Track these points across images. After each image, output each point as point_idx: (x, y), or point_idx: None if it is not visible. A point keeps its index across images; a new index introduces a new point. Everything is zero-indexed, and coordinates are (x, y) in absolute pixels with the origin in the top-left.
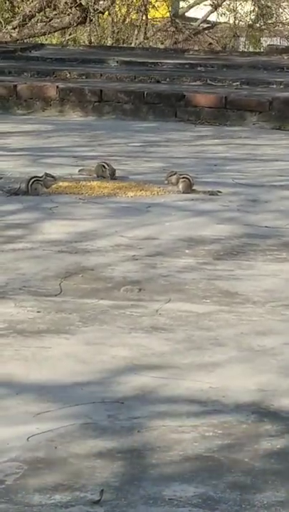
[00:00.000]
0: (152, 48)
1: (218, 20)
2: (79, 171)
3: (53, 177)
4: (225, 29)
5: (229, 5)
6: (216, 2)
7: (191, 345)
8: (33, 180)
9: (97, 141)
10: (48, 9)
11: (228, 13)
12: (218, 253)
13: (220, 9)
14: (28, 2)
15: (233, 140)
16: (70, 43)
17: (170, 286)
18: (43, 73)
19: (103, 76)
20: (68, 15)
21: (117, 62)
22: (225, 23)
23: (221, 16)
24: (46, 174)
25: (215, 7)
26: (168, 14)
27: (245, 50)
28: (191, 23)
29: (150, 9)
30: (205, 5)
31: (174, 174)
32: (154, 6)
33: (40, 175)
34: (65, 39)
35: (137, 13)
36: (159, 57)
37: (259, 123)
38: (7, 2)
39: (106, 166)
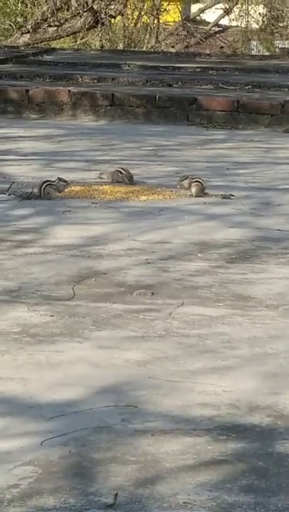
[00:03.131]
0: (164, 52)
1: (229, 24)
2: (98, 175)
3: (65, 181)
4: (236, 33)
5: (241, 8)
6: (228, 6)
7: (205, 348)
8: (45, 184)
9: (110, 145)
10: (59, 14)
11: (239, 17)
12: (230, 257)
13: (232, 13)
14: (39, 7)
15: (245, 143)
16: (81, 47)
17: (183, 289)
18: (55, 77)
19: (115, 80)
20: (80, 19)
21: (129, 66)
22: (236, 26)
23: (233, 20)
24: (59, 179)
25: (227, 11)
26: (179, 18)
27: (257, 53)
28: (203, 27)
29: (162, 13)
30: (217, 9)
31: (186, 178)
32: (165, 10)
33: (53, 179)
34: (77, 43)
35: (149, 17)
36: (171, 61)
37: (271, 126)
38: (20, 6)
39: (123, 172)
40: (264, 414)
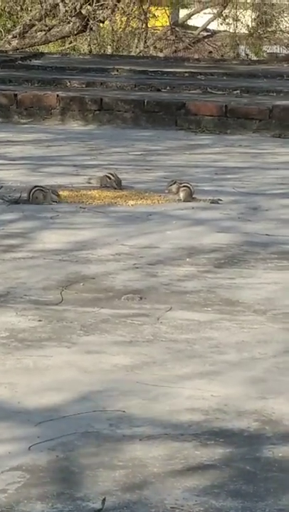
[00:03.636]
0: (152, 57)
1: (218, 29)
2: (87, 181)
3: (57, 195)
4: (225, 37)
5: (229, 13)
6: (216, 11)
7: (193, 353)
8: (35, 189)
9: (98, 150)
10: (48, 18)
11: (227, 21)
12: (218, 261)
13: (220, 18)
14: (28, 11)
15: (233, 148)
16: (70, 51)
17: (171, 294)
18: (44, 82)
19: (103, 85)
20: (68, 23)
21: (117, 70)
22: (225, 31)
23: (221, 24)
24: (52, 191)
25: (215, 16)
26: (168, 23)
27: (246, 58)
28: (191, 32)
29: (150, 18)
30: (205, 13)
31: (175, 183)
32: (154, 15)
33: (43, 184)
34: (65, 48)
35: (137, 21)
36: (159, 66)
37: (259, 131)
38: (6, 12)
39: (111, 177)
40: (252, 419)
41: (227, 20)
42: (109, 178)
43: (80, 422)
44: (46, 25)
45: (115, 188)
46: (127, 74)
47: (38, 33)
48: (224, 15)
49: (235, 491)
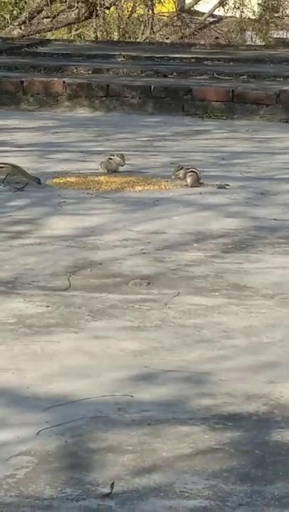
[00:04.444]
0: (159, 43)
1: (224, 14)
2: (100, 164)
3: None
4: (231, 23)
5: None
6: None
7: (201, 338)
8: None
9: (105, 136)
10: (54, 5)
11: (234, 7)
12: (226, 246)
13: (226, 3)
14: None
15: (240, 133)
16: (76, 38)
17: (179, 279)
18: (50, 69)
19: (110, 71)
20: (74, 10)
21: (124, 57)
22: (231, 16)
23: (228, 10)
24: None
25: (222, 2)
26: (174, 9)
27: (252, 43)
28: (198, 18)
29: (156, 4)
30: None
31: (182, 168)
32: (160, 1)
33: (50, 171)
34: (72, 34)
35: (143, 8)
36: (166, 52)
37: (266, 116)
38: None
39: (112, 157)
40: (260, 403)
41: (232, 6)
42: (111, 159)
43: (89, 407)
44: (52, 12)
45: (122, 165)
46: (133, 60)
47: (44, 20)
48: (232, 0)
49: (244, 475)
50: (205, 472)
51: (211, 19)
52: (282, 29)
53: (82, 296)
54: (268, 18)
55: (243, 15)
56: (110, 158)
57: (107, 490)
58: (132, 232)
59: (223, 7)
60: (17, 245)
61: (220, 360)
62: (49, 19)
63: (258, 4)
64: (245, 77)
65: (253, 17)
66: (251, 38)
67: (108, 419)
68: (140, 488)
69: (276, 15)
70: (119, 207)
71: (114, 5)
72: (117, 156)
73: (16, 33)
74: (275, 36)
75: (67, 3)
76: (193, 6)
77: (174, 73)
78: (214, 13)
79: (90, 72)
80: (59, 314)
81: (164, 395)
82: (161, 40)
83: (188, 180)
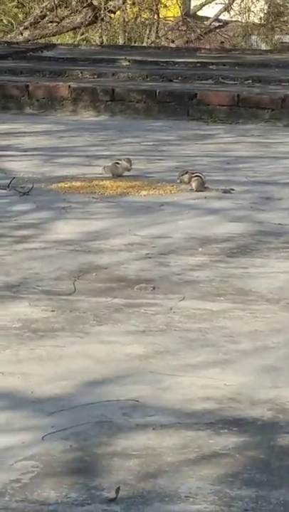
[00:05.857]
0: (164, 47)
1: (229, 19)
2: (103, 168)
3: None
4: (237, 28)
5: (241, 3)
6: (227, 2)
7: (206, 342)
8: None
9: (110, 141)
10: (59, 9)
11: (239, 12)
12: (231, 251)
13: (232, 8)
14: (39, 2)
15: (245, 138)
16: (81, 42)
17: (184, 284)
18: (55, 73)
19: (115, 75)
20: (79, 14)
21: (129, 61)
22: (236, 21)
23: (234, 15)
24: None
25: (227, 7)
26: (179, 13)
27: (257, 48)
28: (203, 22)
29: (161, 8)
30: (216, 3)
31: (187, 173)
32: (165, 6)
33: (55, 175)
34: (77, 39)
35: (149, 12)
36: (171, 56)
37: (271, 120)
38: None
39: (119, 162)
40: (265, 408)
41: (237, 11)
42: (118, 164)
43: (94, 411)
44: (57, 16)
45: (129, 169)
46: (138, 64)
47: (50, 24)
48: (237, 5)
49: (249, 480)
50: (210, 477)
51: (216, 24)
52: (287, 34)
53: (87, 300)
54: (273, 22)
55: (249, 20)
56: (117, 163)
57: (112, 495)
58: (137, 237)
59: (228, 12)
60: (22, 249)
61: (225, 365)
62: (54, 23)
63: (263, 9)
64: (250, 81)
65: (258, 22)
66: (256, 43)
67: (113, 424)
68: (145, 493)
69: (281, 19)
70: (124, 211)
71: (119, 9)
72: (124, 160)
73: (21, 37)
74: (280, 41)
75: (72, 6)
76: (198, 11)
77: (179, 77)
78: (220, 17)
79: (95, 76)
80: (64, 319)
81: (169, 400)
82: (166, 45)
83: (194, 184)
